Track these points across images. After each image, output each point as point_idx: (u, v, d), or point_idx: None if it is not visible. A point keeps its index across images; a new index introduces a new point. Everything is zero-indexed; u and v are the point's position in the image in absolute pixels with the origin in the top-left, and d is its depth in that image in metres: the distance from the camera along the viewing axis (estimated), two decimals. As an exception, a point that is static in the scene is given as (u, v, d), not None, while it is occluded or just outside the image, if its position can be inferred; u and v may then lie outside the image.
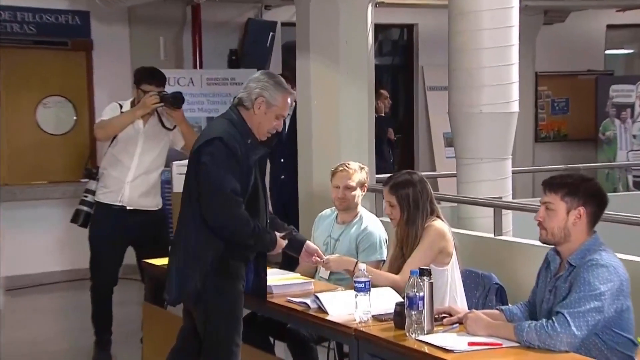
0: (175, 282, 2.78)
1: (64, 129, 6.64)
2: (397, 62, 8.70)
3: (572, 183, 2.49)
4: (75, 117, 6.66)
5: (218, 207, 2.71)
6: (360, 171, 3.51)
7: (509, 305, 2.80)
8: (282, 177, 5.58)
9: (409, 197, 3.07)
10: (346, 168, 3.50)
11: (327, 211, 3.71)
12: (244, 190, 2.76)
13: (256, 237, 2.79)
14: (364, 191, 3.53)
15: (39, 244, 6.32)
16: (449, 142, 7.43)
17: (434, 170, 7.84)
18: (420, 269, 2.50)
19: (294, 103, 5.53)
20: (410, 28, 8.31)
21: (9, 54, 6.21)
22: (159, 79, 4.12)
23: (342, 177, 3.48)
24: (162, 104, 4.04)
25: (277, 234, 2.90)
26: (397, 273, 3.09)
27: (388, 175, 3.32)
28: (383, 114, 6.67)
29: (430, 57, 8.01)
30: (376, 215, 3.82)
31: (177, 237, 2.86)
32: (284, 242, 2.92)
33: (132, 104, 4.15)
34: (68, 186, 6.25)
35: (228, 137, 2.72)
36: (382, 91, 6.83)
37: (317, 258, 3.14)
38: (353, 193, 3.48)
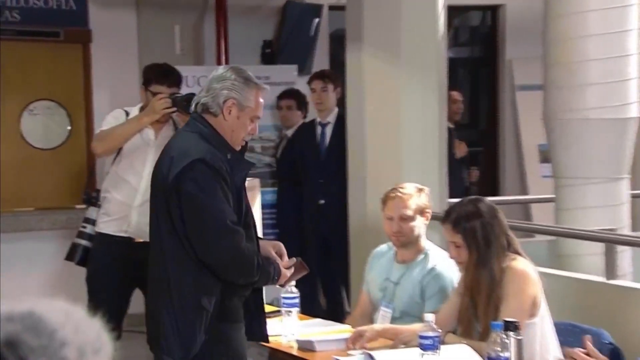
0: (176, 338, 2.87)
1: (55, 141, 6.76)
2: (478, 55, 8.71)
3: None
4: (69, 127, 6.79)
5: (220, 244, 2.83)
6: (418, 195, 3.52)
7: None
8: (322, 202, 5.64)
9: (476, 232, 3.03)
10: (399, 194, 3.50)
11: (384, 247, 3.73)
12: (238, 217, 2.88)
13: (261, 270, 2.90)
14: (426, 219, 3.54)
15: (24, 287, 6.43)
16: (545, 156, 7.37)
17: (526, 194, 7.76)
18: (505, 321, 2.51)
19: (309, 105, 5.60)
20: (494, 10, 8.32)
21: (-14, 48, 6.37)
22: (172, 79, 4.18)
23: (394, 206, 3.50)
24: (175, 108, 4.08)
25: (280, 263, 3.00)
26: (467, 327, 3.09)
27: (455, 201, 3.33)
28: (452, 123, 6.68)
29: (520, 47, 7.99)
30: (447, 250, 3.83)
31: (160, 279, 2.93)
32: (289, 273, 3.02)
33: (141, 110, 4.20)
34: (60, 214, 6.36)
35: (210, 157, 2.84)
36: (451, 92, 6.85)
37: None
38: (411, 224, 3.49)
